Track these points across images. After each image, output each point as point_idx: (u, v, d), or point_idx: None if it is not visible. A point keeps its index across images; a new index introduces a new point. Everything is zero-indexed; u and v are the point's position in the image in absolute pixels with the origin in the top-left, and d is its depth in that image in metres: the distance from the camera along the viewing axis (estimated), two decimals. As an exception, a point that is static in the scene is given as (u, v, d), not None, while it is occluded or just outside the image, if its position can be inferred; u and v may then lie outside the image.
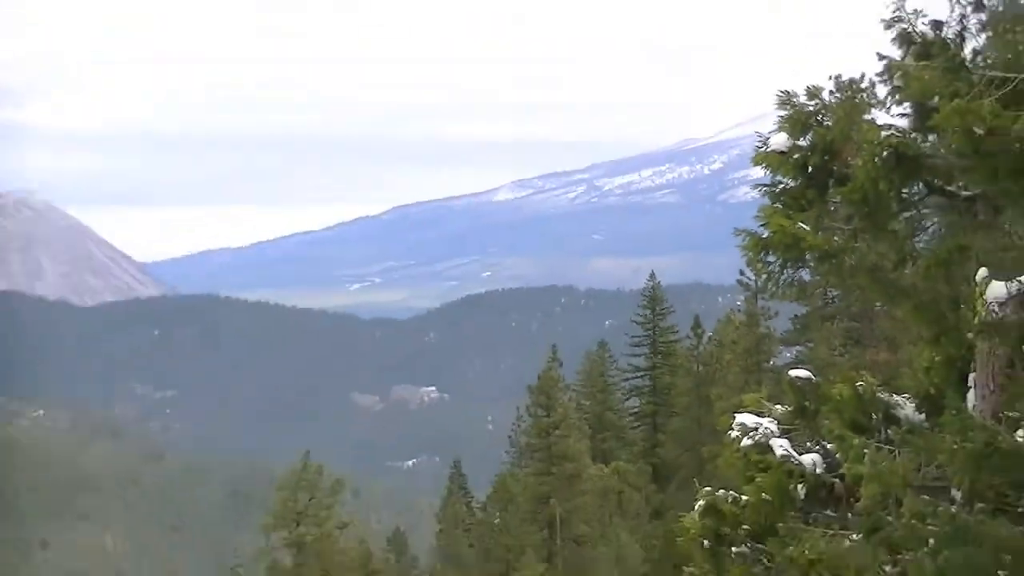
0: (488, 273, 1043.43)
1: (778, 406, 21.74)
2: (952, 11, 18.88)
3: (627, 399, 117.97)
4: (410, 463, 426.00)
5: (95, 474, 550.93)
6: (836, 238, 19.99)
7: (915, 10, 19.18)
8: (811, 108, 19.91)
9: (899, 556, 19.64)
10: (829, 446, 20.91)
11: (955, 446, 19.64)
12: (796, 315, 78.25)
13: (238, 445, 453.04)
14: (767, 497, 20.91)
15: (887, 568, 19.66)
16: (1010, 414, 19.54)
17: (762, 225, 20.36)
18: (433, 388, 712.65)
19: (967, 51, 19.10)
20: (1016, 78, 18.03)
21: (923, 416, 20.73)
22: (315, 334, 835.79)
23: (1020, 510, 19.34)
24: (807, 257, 20.40)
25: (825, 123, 19.73)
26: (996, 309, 19.69)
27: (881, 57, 19.57)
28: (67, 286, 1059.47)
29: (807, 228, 20.05)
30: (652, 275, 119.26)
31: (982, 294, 19.82)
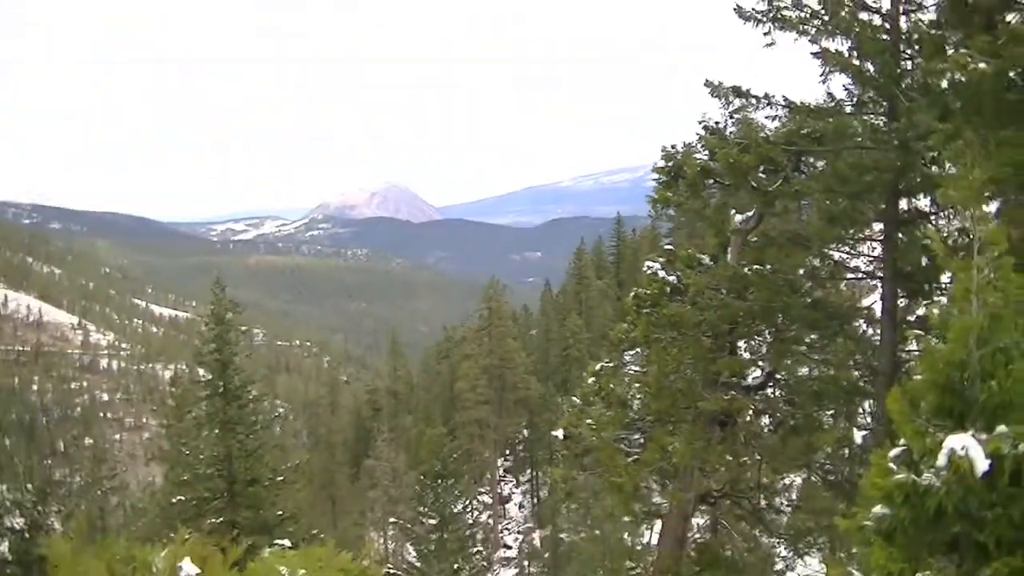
0: (560, 210, 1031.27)
1: (660, 259, 21.76)
2: (723, 116, 19.00)
3: (610, 256, 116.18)
4: (530, 280, 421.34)
5: (421, 285, 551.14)
6: (681, 199, 20.13)
7: (709, 118, 19.38)
8: (673, 152, 20.11)
9: (703, 312, 19.71)
10: (679, 272, 20.94)
11: (722, 272, 19.79)
12: (668, 228, 77.00)
13: (474, 275, 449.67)
14: (656, 291, 20.95)
15: (698, 317, 19.86)
16: (742, 263, 19.67)
17: (656, 195, 20.57)
18: (539, 252, 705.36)
19: (728, 131, 19.15)
20: (746, 143, 18.10)
21: (712, 263, 20.77)
22: (496, 234, 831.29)
23: (746, 296, 19.48)
24: (671, 205, 20.58)
25: (677, 157, 19.84)
26: (737, 225, 19.95)
27: (697, 133, 19.75)
28: (408, 214, 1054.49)
29: (671, 196, 20.22)
30: (618, 214, 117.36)
31: (732, 219, 20.04)
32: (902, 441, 7.66)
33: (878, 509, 7.55)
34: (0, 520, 34.46)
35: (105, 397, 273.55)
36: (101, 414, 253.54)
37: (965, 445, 7.02)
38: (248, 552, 5.32)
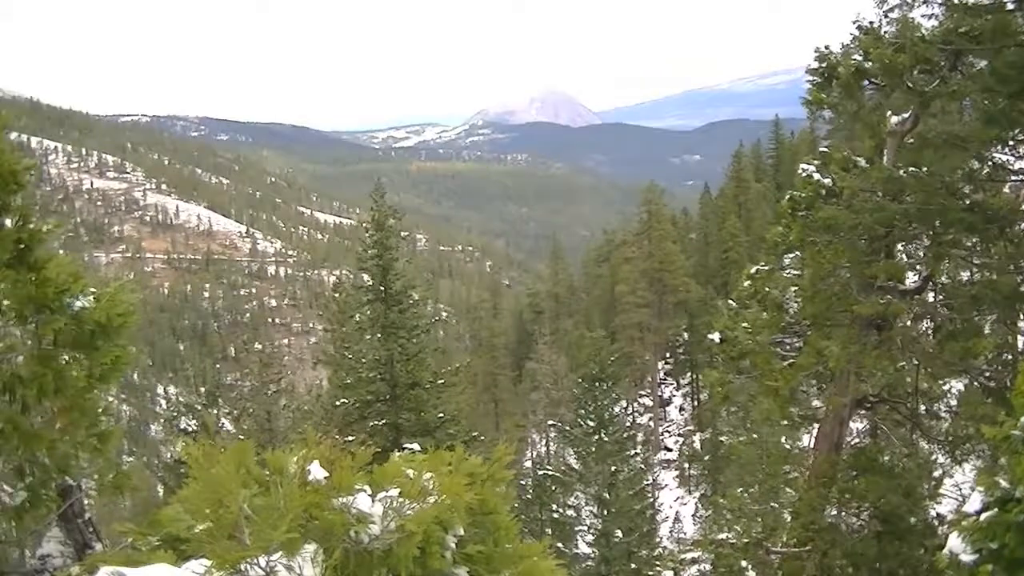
0: (718, 113, 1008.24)
1: (815, 161, 21.37)
2: (878, 15, 18.46)
3: (768, 158, 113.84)
4: (689, 183, 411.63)
5: (581, 189, 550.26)
6: (835, 100, 19.71)
7: (864, 17, 18.89)
8: (827, 53, 19.62)
9: (858, 215, 19.38)
10: (834, 175, 20.52)
11: (877, 174, 19.43)
12: (826, 130, 74.38)
13: (633, 178, 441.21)
14: (810, 194, 20.59)
15: (853, 220, 19.59)
16: (898, 165, 19.25)
17: (810, 97, 20.15)
18: (697, 155, 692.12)
19: (883, 31, 18.61)
20: (901, 43, 17.69)
21: (868, 165, 20.35)
22: (654, 138, 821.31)
23: (902, 199, 19.09)
24: (826, 107, 20.19)
25: (831, 58, 19.37)
26: (893, 126, 19.51)
27: (851, 33, 19.29)
28: (567, 119, 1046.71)
29: (825, 97, 19.80)
30: (776, 117, 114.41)
31: (888, 120, 19.58)
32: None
33: (1024, 419, 7.42)
34: (174, 422, 35.75)
35: (273, 303, 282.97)
36: (269, 319, 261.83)
37: (1115, 355, 6.86)
38: (377, 456, 5.47)
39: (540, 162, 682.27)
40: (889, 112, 20.00)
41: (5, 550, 9.62)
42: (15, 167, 8.80)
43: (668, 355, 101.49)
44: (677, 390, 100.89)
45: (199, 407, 32.67)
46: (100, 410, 9.67)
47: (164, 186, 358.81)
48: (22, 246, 9.00)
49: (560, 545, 39.82)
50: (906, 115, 19.72)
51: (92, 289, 9.08)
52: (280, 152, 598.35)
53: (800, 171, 22.12)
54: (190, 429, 31.34)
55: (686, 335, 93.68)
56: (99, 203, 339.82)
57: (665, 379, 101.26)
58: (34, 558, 9.79)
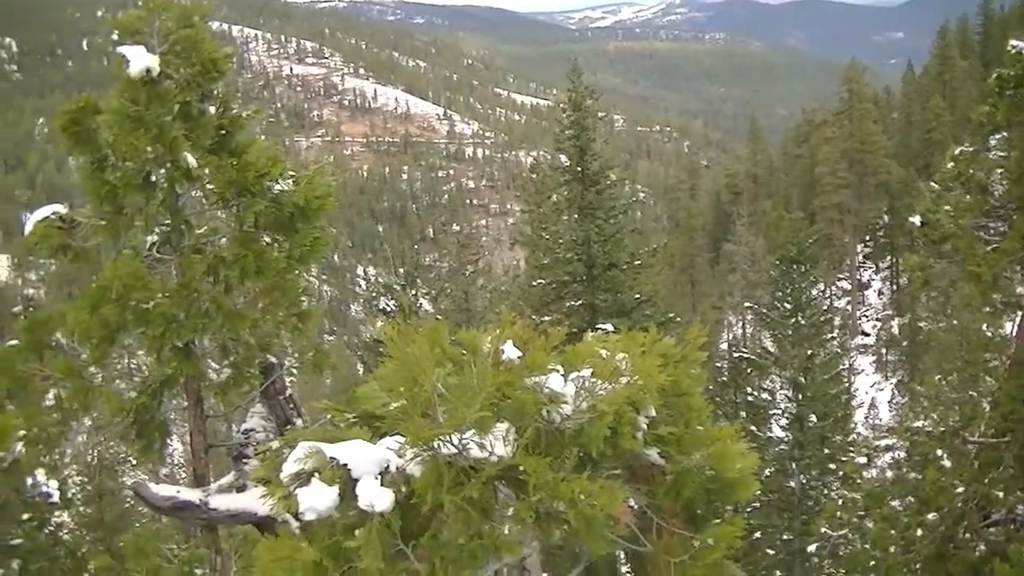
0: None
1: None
2: None
3: (975, 34, 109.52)
4: (892, 61, 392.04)
5: (780, 67, 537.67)
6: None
7: None
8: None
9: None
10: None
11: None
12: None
13: (834, 56, 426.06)
14: (1019, 71, 19.67)
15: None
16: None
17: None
18: (901, 32, 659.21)
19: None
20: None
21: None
22: (856, 14, 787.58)
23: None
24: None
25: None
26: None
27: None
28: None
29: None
30: None
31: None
32: None
33: None
34: (374, 302, 36.70)
35: (471, 184, 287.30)
36: (467, 200, 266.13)
37: None
38: (572, 336, 5.54)
39: (738, 40, 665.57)
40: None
41: (213, 424, 10.08)
42: (215, 55, 9.14)
43: (868, 238, 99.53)
44: (876, 274, 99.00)
45: (398, 287, 33.44)
46: (300, 290, 10.09)
47: (362, 70, 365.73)
48: (224, 132, 9.37)
49: (754, 428, 39.72)
50: (1125, -13, 18.73)
51: (291, 173, 9.41)
52: (477, 34, 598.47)
53: (1009, 47, 21.19)
54: (389, 309, 32.13)
55: (886, 218, 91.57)
56: (298, 88, 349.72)
57: (864, 262, 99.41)
58: (239, 432, 10.27)
